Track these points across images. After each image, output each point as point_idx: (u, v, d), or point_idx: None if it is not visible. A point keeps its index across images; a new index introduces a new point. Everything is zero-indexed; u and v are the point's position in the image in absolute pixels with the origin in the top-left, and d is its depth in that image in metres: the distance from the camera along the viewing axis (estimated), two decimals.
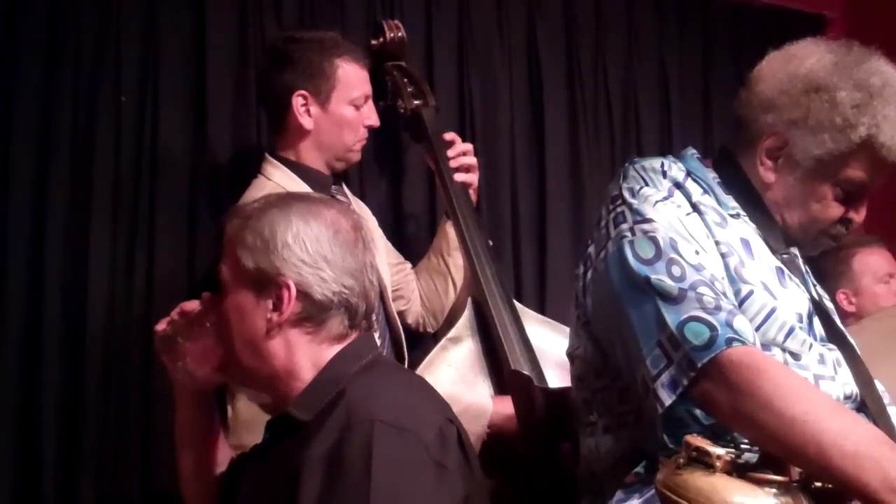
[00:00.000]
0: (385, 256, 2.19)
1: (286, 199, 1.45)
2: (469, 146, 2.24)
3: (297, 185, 2.01)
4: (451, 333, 2.01)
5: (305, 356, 1.37)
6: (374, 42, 2.33)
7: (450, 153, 2.19)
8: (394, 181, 2.50)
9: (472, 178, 2.23)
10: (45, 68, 2.17)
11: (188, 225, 2.28)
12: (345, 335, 1.39)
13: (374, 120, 2.12)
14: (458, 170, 2.19)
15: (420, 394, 1.39)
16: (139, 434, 2.15)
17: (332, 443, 1.25)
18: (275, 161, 2.06)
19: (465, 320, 2.02)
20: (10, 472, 2.05)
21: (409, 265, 2.32)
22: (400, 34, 2.27)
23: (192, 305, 1.50)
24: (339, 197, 2.11)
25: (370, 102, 2.11)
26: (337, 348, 1.38)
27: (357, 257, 1.39)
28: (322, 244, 1.37)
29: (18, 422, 2.08)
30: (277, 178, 2.03)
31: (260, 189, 2.00)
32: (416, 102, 2.23)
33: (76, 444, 2.10)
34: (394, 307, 2.13)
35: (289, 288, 1.35)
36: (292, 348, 1.37)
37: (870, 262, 2.57)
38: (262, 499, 1.35)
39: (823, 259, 2.58)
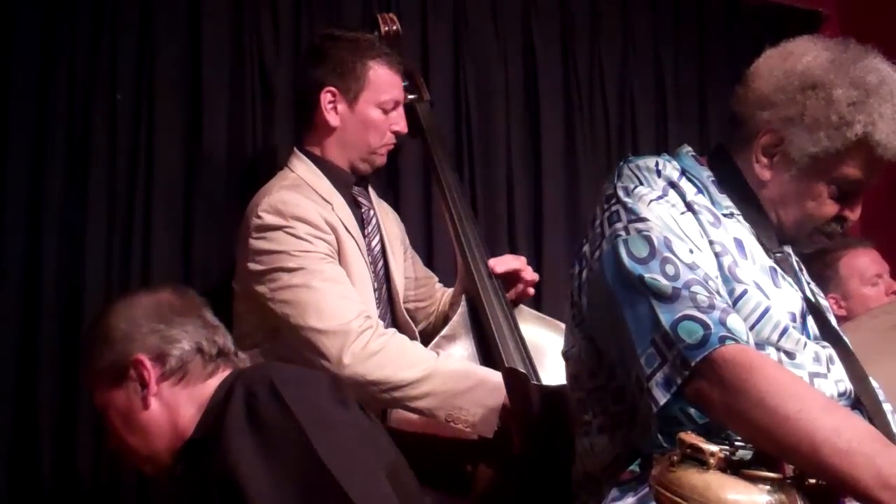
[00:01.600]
0: (402, 261, 2.19)
1: (108, 304, 1.62)
2: (523, 260, 2.15)
3: (319, 180, 2.02)
4: (445, 331, 2.01)
5: (187, 403, 1.48)
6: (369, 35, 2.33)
7: (497, 269, 2.08)
8: (390, 175, 2.50)
9: (529, 291, 2.15)
10: (41, 66, 2.17)
11: (184, 222, 2.28)
12: (214, 370, 1.51)
13: (401, 126, 2.10)
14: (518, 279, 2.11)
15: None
16: None
17: (243, 415, 1.32)
18: (301, 155, 2.07)
19: (459, 317, 2.02)
20: (7, 473, 2.05)
21: (435, 279, 2.33)
22: (395, 27, 2.26)
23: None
24: (360, 199, 2.10)
25: (400, 109, 2.11)
26: (214, 382, 1.49)
27: (186, 314, 1.53)
28: (150, 313, 1.51)
29: (14, 425, 2.08)
30: (300, 171, 2.03)
31: (282, 180, 2.02)
32: (411, 97, 2.23)
33: (74, 446, 2.10)
34: (407, 309, 2.13)
35: (141, 360, 1.48)
36: (173, 405, 1.48)
37: (856, 264, 2.54)
38: None
39: (811, 264, 2.57)
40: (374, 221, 2.11)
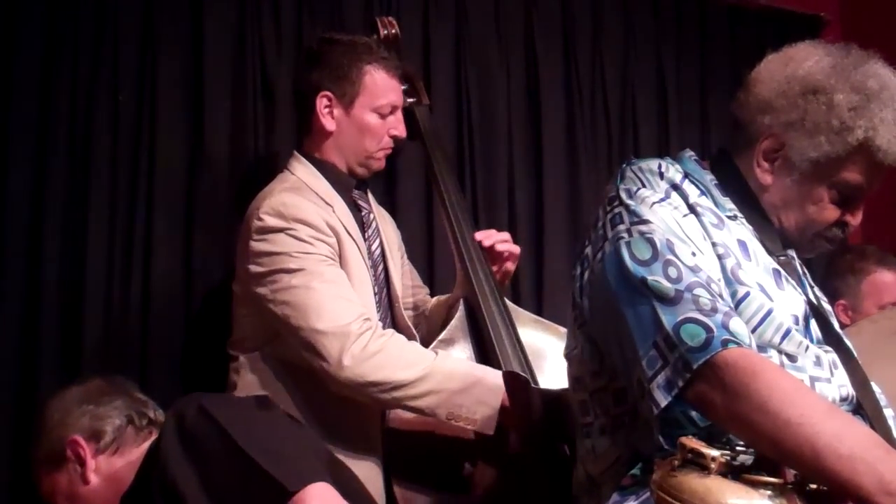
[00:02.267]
0: (400, 267, 2.19)
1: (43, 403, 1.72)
2: (507, 235, 2.18)
3: (319, 182, 2.02)
4: (443, 335, 2.00)
5: (125, 467, 1.55)
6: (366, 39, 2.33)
7: (486, 242, 2.11)
8: (388, 179, 2.50)
9: (510, 266, 2.17)
10: (43, 66, 2.17)
11: (185, 223, 2.28)
12: (147, 436, 1.61)
13: (400, 130, 2.09)
14: (501, 255, 2.13)
15: None
16: None
17: (175, 436, 1.37)
18: (300, 157, 2.07)
19: (457, 321, 2.02)
20: (8, 478, 2.06)
21: (426, 290, 2.34)
22: (394, 31, 2.26)
23: None
24: (360, 202, 2.10)
25: (398, 113, 2.09)
26: (146, 444, 1.58)
27: (114, 394, 1.65)
28: (80, 398, 1.63)
29: (15, 425, 2.07)
30: (300, 173, 2.03)
31: (282, 182, 2.02)
32: (410, 100, 2.23)
33: None
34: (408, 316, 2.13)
35: (76, 440, 1.58)
36: (113, 474, 1.57)
37: (880, 285, 2.51)
38: None
39: (840, 259, 2.56)
40: (374, 225, 2.11)
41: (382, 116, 2.06)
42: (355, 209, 2.08)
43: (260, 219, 1.91)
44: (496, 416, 1.79)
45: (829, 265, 2.58)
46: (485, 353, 1.99)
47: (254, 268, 1.90)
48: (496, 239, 2.13)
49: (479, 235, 2.11)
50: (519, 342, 1.98)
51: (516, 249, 2.17)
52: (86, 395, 1.64)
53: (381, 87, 2.05)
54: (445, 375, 1.82)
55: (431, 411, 1.81)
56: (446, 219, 2.14)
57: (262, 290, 1.88)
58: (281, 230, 1.89)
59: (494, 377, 1.83)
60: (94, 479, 1.58)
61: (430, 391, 1.80)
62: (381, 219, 2.19)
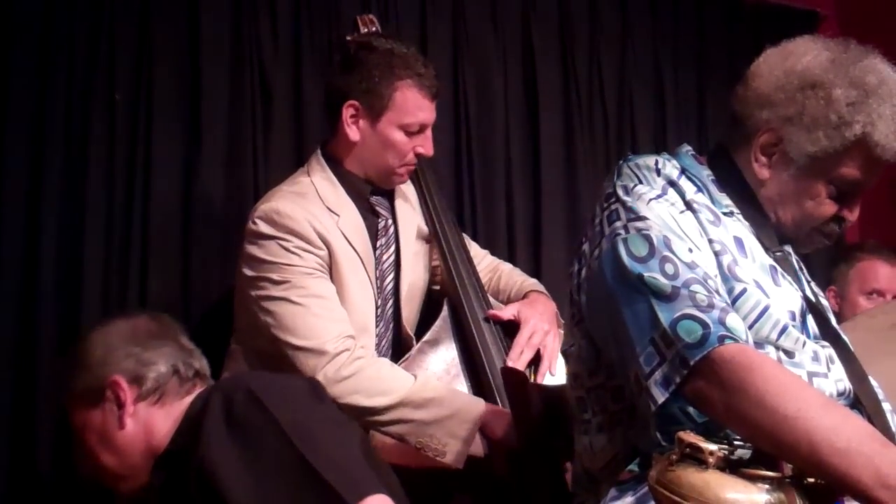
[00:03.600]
0: (422, 268, 2.14)
1: (86, 332, 1.63)
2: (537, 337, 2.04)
3: (332, 188, 1.99)
4: (428, 336, 2.00)
5: (164, 420, 1.51)
6: (349, 38, 2.29)
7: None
8: None
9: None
10: (39, 66, 2.17)
11: (182, 223, 2.28)
12: (191, 388, 1.54)
13: (427, 148, 2.01)
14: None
15: None
16: None
17: (221, 418, 1.35)
18: (321, 158, 2.03)
19: (441, 321, 2.01)
20: (6, 477, 2.05)
21: (485, 253, 2.30)
22: (374, 28, 2.22)
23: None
24: (378, 209, 2.05)
25: (428, 131, 2.01)
26: (190, 398, 1.52)
27: (162, 339, 1.56)
28: (126, 337, 1.55)
29: (12, 424, 2.08)
30: (315, 177, 2.00)
31: (291, 184, 2.00)
32: None
33: (73, 447, 2.09)
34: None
35: (118, 381, 1.50)
36: (149, 423, 1.50)
37: (864, 271, 2.57)
38: None
39: (840, 250, 2.61)
40: (390, 232, 2.06)
41: (409, 134, 1.99)
42: (372, 215, 2.04)
43: (254, 223, 1.91)
44: (467, 450, 1.79)
45: (833, 256, 2.64)
46: (469, 353, 1.99)
47: (246, 270, 1.92)
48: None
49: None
50: (503, 341, 1.98)
51: (536, 342, 2.02)
52: (132, 336, 1.55)
53: (412, 105, 1.97)
54: (418, 405, 1.81)
55: (401, 437, 1.82)
56: (427, 217, 2.12)
57: (252, 292, 1.90)
58: (271, 238, 1.89)
59: (473, 409, 1.82)
60: (130, 424, 1.50)
61: (400, 419, 1.81)
62: (405, 221, 2.11)
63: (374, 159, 2.00)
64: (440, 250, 2.08)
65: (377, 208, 2.06)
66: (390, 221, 2.08)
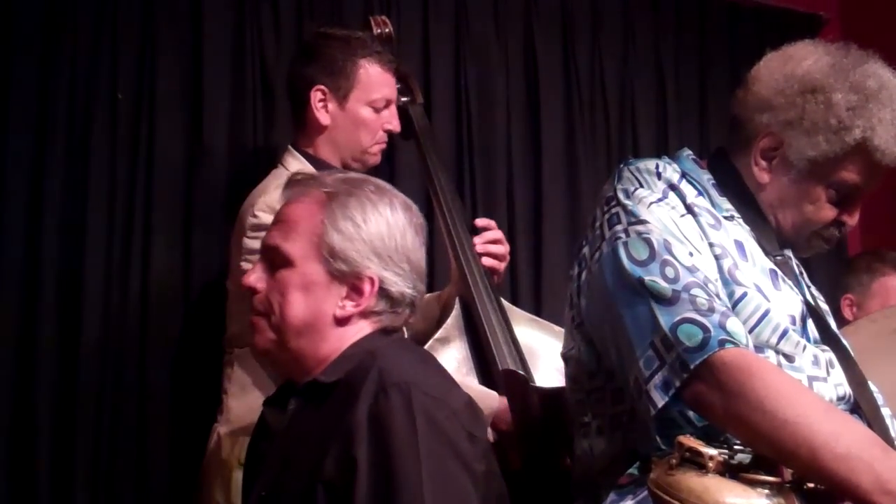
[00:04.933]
0: None
1: (373, 185, 1.40)
2: (500, 234, 2.15)
3: None
4: (439, 334, 2.00)
5: (353, 341, 1.35)
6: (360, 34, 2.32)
7: (477, 239, 2.09)
8: (387, 180, 2.48)
9: (500, 265, 2.14)
10: (42, 65, 2.17)
11: (184, 221, 2.28)
12: (399, 326, 1.40)
13: (394, 125, 2.10)
14: (484, 254, 2.09)
15: (441, 369, 1.40)
16: (134, 437, 2.16)
17: (369, 404, 1.24)
18: (295, 153, 2.06)
19: (453, 320, 2.01)
20: (5, 475, 2.05)
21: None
22: (388, 30, 2.25)
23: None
24: None
25: (393, 107, 2.10)
26: (355, 331, 1.36)
27: (422, 255, 1.40)
28: (407, 240, 1.37)
29: (13, 425, 2.08)
30: (294, 169, 2.00)
31: (276, 178, 2.00)
32: (404, 100, 2.22)
33: (73, 447, 2.10)
34: None
35: (372, 282, 1.33)
36: (351, 338, 1.34)
37: (889, 288, 2.54)
38: (296, 462, 1.31)
39: (860, 257, 2.59)
40: None
41: (377, 110, 2.06)
42: None
43: (254, 216, 1.90)
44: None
45: (849, 261, 2.62)
46: (480, 352, 1.99)
47: (246, 265, 1.88)
48: (484, 240, 2.10)
49: (476, 240, 2.08)
50: (514, 341, 1.98)
51: (503, 250, 2.13)
52: (403, 245, 1.36)
53: (376, 81, 2.06)
54: None
55: None
56: (441, 218, 2.13)
57: None
58: None
59: (486, 402, 1.78)
60: (343, 324, 1.33)
61: None
62: None
63: (346, 141, 2.06)
64: (452, 250, 2.09)
65: None
66: None
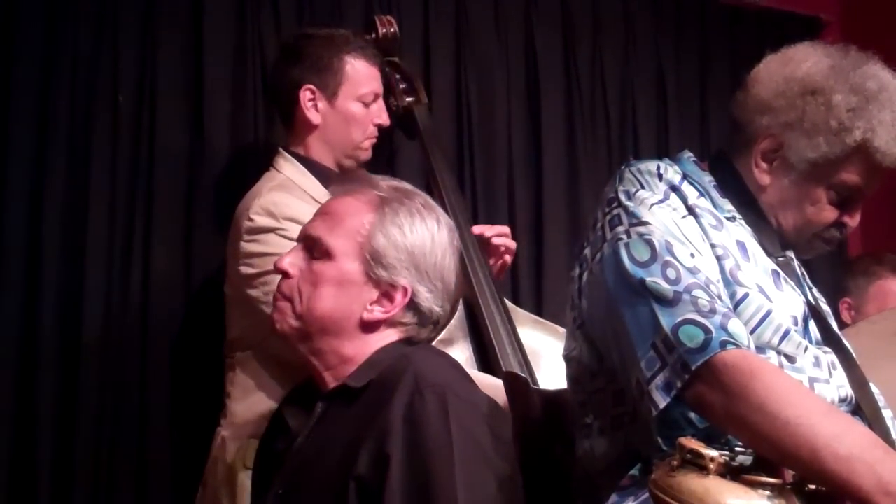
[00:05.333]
0: None
1: (423, 199, 1.43)
2: (507, 229, 2.18)
3: (307, 179, 2.01)
4: (443, 335, 1.99)
5: (379, 346, 1.37)
6: (366, 38, 2.33)
7: (488, 233, 2.11)
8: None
9: (508, 259, 2.17)
10: (43, 67, 2.17)
11: (185, 222, 2.28)
12: (421, 342, 1.43)
13: (383, 118, 2.11)
14: (498, 249, 2.12)
15: (466, 373, 1.43)
16: (134, 439, 2.15)
17: (404, 405, 1.25)
18: (286, 155, 2.06)
19: (456, 321, 2.01)
20: (6, 476, 2.05)
21: None
22: (393, 30, 2.26)
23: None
24: None
25: (380, 101, 2.11)
26: (379, 338, 1.39)
27: (455, 279, 1.42)
28: (446, 260, 1.39)
29: (13, 426, 2.08)
30: (288, 172, 2.03)
31: (269, 181, 2.01)
32: (409, 100, 2.23)
33: (72, 447, 2.10)
34: None
35: (405, 292, 1.36)
36: (376, 343, 1.37)
37: (886, 291, 2.54)
38: (322, 461, 1.31)
39: (858, 259, 2.59)
40: None
41: (366, 105, 2.07)
42: None
43: (250, 219, 1.90)
44: None
45: (848, 264, 2.62)
46: (484, 353, 1.99)
47: (245, 269, 1.89)
48: (495, 232, 2.14)
49: (477, 229, 2.11)
50: (518, 342, 1.98)
51: (513, 244, 2.17)
52: (441, 264, 1.38)
53: (363, 75, 2.07)
54: None
55: None
56: None
57: (254, 292, 1.87)
58: (272, 230, 1.88)
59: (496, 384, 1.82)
60: (369, 329, 1.35)
61: None
62: None
63: (338, 138, 2.06)
64: None
65: None
66: None
